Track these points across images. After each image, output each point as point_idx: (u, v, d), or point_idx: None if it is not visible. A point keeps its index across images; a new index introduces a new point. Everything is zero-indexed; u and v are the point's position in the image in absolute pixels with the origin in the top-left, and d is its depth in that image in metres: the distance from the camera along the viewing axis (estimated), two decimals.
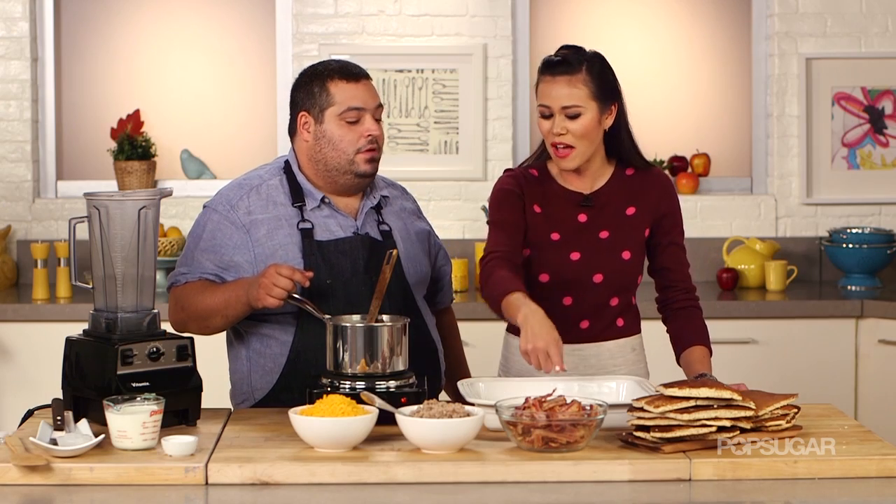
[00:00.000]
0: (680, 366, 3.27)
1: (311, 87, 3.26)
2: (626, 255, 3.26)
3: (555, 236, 3.27)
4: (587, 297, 3.26)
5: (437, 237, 3.51)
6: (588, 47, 3.26)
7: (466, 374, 3.53)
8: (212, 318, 3.21)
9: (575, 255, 3.25)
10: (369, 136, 3.23)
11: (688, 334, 3.25)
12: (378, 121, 3.27)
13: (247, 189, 3.30)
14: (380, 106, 3.27)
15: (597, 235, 3.27)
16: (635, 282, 3.29)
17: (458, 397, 3.14)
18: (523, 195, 3.27)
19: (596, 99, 3.18)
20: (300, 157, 3.31)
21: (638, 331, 3.37)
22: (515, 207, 3.25)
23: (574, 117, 3.17)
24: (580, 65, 3.18)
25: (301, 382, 3.13)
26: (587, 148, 3.21)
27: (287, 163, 3.34)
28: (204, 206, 3.34)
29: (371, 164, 3.25)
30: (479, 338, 4.53)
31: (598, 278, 3.24)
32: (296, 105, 3.29)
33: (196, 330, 3.25)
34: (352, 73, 3.26)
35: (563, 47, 3.25)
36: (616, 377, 3.14)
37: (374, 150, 3.24)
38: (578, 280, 3.25)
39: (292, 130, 3.31)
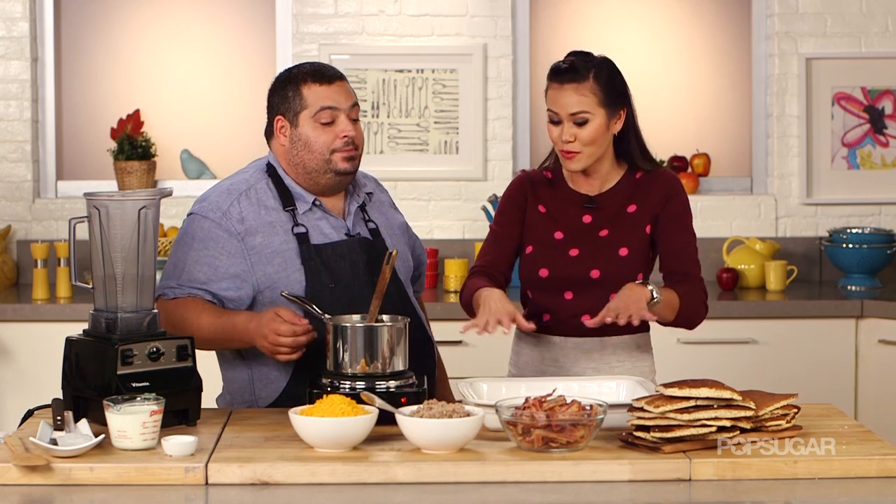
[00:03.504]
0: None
1: (286, 91, 3.23)
2: (624, 251, 3.26)
3: (558, 235, 3.30)
4: (586, 292, 3.26)
5: (409, 227, 3.50)
6: (597, 52, 3.29)
7: (440, 368, 3.49)
8: (208, 347, 3.19)
9: (574, 252, 3.27)
10: (345, 137, 3.20)
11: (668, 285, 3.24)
12: (355, 121, 3.24)
13: (236, 194, 3.23)
14: (355, 105, 3.24)
15: (597, 234, 3.28)
16: (635, 279, 3.25)
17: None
18: (527, 199, 3.35)
19: (604, 105, 3.20)
20: (280, 160, 3.27)
21: (646, 329, 3.36)
22: (513, 219, 3.34)
23: (582, 124, 3.20)
24: (588, 72, 3.20)
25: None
26: (595, 151, 3.24)
27: (269, 165, 3.29)
28: (190, 214, 3.25)
29: (350, 162, 3.22)
30: (479, 338, 4.51)
31: (595, 274, 3.25)
32: (272, 109, 3.27)
33: None
34: (324, 75, 3.22)
35: (570, 53, 3.26)
36: (616, 377, 3.14)
37: (351, 149, 3.22)
38: (576, 276, 3.26)
39: (269, 133, 3.29)
